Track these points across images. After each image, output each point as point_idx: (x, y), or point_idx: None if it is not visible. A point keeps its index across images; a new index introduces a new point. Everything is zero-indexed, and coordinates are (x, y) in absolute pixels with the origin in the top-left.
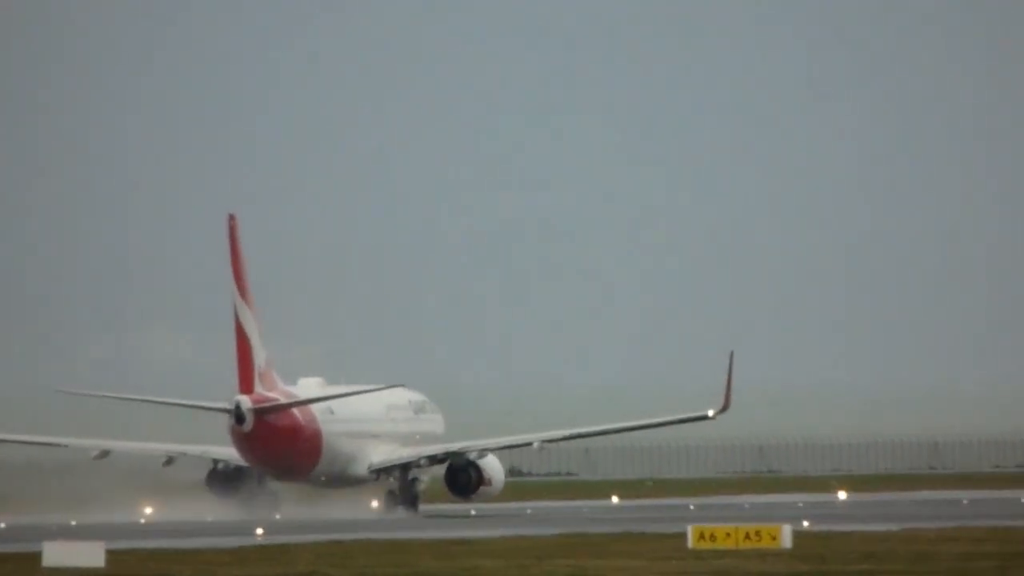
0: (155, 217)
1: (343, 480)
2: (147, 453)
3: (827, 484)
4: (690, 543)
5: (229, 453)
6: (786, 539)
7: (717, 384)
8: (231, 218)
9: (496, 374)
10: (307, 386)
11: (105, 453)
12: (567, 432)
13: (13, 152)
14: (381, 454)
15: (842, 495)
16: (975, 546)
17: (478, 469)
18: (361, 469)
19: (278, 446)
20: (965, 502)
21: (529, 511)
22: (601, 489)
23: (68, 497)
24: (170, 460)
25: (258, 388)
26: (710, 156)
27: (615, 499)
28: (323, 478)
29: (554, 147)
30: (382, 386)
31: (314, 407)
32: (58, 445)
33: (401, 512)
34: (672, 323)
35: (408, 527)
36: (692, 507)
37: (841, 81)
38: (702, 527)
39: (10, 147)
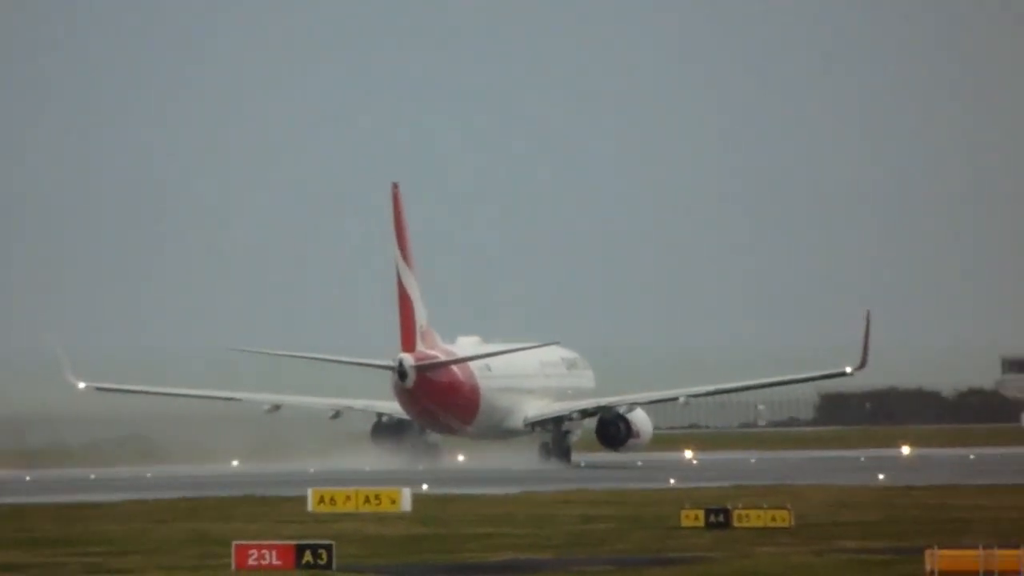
0: (324, 187)
1: (500, 433)
2: (316, 407)
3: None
4: (310, 507)
5: (392, 407)
6: (406, 503)
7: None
8: (394, 187)
9: (646, 334)
10: (465, 344)
11: (277, 407)
12: (710, 388)
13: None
14: (535, 408)
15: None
16: (593, 508)
17: (627, 422)
18: (517, 422)
19: (438, 401)
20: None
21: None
22: None
23: (251, 447)
24: (337, 414)
25: (420, 346)
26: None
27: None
28: (491, 429)
29: (689, 119)
30: (538, 344)
31: (472, 364)
32: (234, 399)
33: (555, 463)
34: (789, 290)
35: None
36: (312, 471)
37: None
38: (322, 491)
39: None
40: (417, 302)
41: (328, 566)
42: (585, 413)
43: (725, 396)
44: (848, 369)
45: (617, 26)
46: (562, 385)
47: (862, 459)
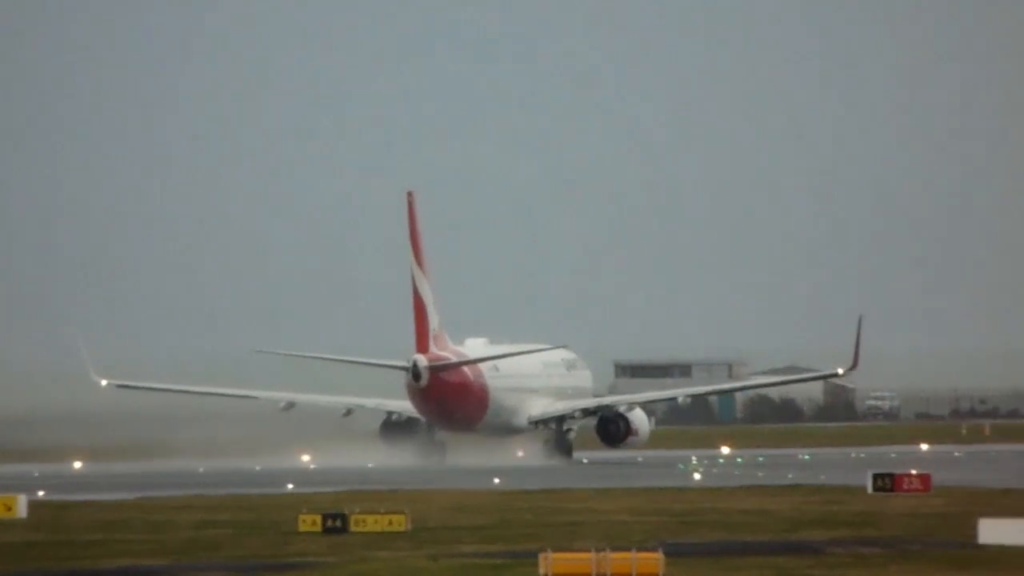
0: (338, 196)
1: (505, 431)
2: (328, 405)
3: None
4: None
5: (402, 405)
6: (22, 509)
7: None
8: (409, 195)
9: (645, 336)
10: (474, 346)
11: (291, 405)
12: (709, 388)
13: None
14: (539, 407)
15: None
16: (210, 514)
17: (626, 421)
18: (521, 421)
19: (450, 400)
20: (201, 470)
21: None
22: None
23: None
24: (349, 412)
25: (432, 348)
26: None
27: None
28: (498, 428)
29: (696, 117)
30: (547, 347)
31: (481, 365)
32: (250, 397)
33: (557, 460)
34: (790, 294)
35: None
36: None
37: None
38: None
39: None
40: (430, 306)
41: None
42: (587, 412)
43: None
44: (840, 370)
45: (621, 30)
46: (563, 385)
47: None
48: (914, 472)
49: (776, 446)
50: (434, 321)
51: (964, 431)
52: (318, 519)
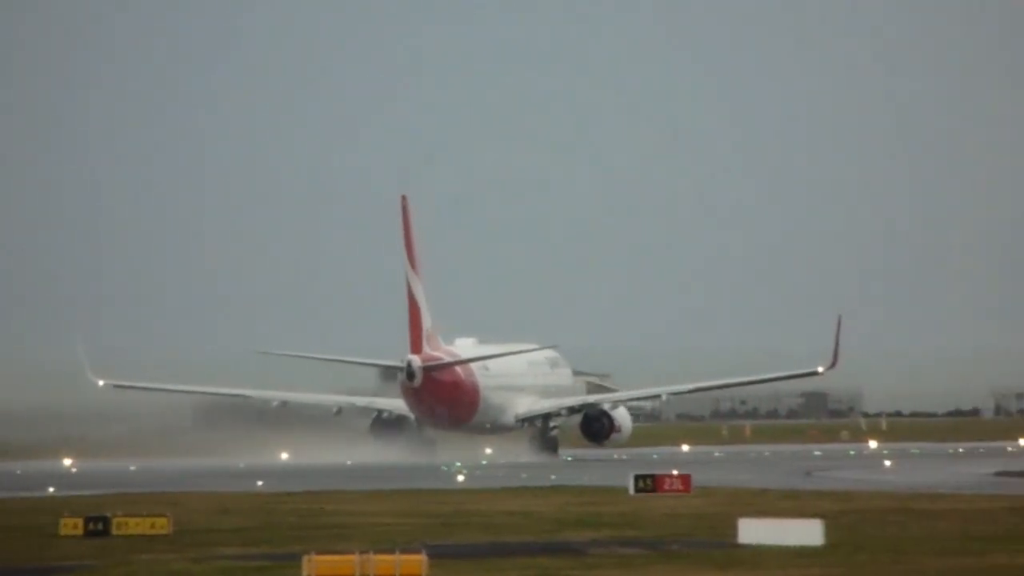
0: (334, 202)
1: (494, 428)
2: (320, 404)
3: None
4: None
5: (392, 404)
6: None
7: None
8: (403, 199)
9: (620, 334)
10: (464, 345)
11: (284, 404)
12: (691, 386)
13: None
14: (525, 405)
15: None
16: None
17: (610, 418)
18: (509, 418)
19: (443, 398)
20: None
21: None
22: None
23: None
24: (339, 410)
25: (425, 348)
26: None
27: None
28: (487, 426)
29: (681, 119)
30: (538, 347)
31: (472, 364)
32: (243, 396)
33: (545, 456)
34: (775, 293)
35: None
36: None
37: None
38: None
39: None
40: (423, 307)
41: None
42: (572, 410)
43: None
44: (820, 369)
45: (615, 29)
46: (547, 383)
47: (241, 465)
48: (675, 473)
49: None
50: (427, 322)
51: (725, 432)
52: (80, 522)
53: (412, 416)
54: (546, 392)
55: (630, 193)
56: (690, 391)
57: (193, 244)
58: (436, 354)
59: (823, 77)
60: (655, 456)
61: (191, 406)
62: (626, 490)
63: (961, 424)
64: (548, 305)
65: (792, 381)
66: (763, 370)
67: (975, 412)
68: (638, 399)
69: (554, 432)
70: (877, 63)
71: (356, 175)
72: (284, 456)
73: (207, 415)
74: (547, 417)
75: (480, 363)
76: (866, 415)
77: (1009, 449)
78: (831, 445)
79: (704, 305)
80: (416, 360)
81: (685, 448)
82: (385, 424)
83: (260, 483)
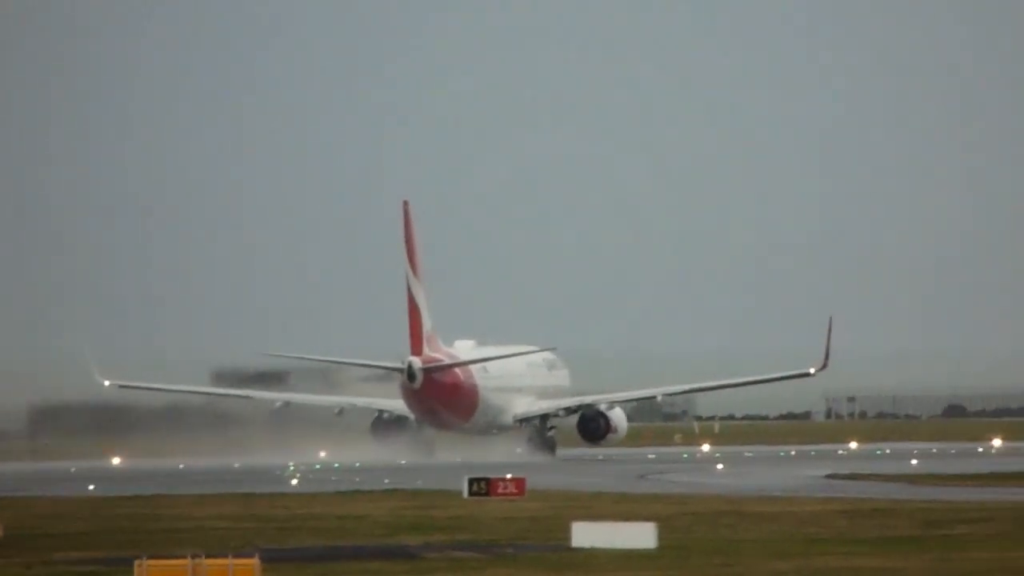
0: (335, 206)
1: (493, 429)
2: (321, 404)
3: None
4: None
5: (392, 404)
6: None
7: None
8: (405, 204)
9: (616, 336)
10: (463, 347)
11: (286, 404)
12: (685, 387)
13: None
14: (523, 406)
15: None
16: None
17: (606, 419)
18: (507, 419)
19: (443, 399)
20: None
21: None
22: None
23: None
24: (341, 411)
25: (426, 350)
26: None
27: None
28: (483, 426)
29: (677, 119)
30: (536, 349)
31: (471, 366)
32: (245, 397)
33: (543, 456)
34: (768, 296)
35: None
36: None
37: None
38: None
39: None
40: (424, 310)
41: None
42: (569, 410)
43: None
44: (811, 370)
45: (609, 30)
46: (544, 384)
47: (72, 469)
48: (509, 476)
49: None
50: (427, 324)
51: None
52: None
53: (412, 416)
54: (544, 393)
55: (626, 198)
56: (682, 392)
57: (196, 248)
58: (436, 356)
59: (811, 79)
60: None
61: (26, 409)
62: (460, 494)
63: (793, 427)
64: (546, 308)
65: None
66: (750, 372)
67: (806, 415)
68: (633, 400)
69: (551, 432)
70: (868, 64)
71: (358, 180)
72: (116, 461)
73: (40, 420)
74: (545, 418)
75: (479, 366)
76: (699, 418)
77: (840, 452)
78: (664, 448)
79: (701, 307)
80: (416, 362)
81: (519, 451)
82: (385, 424)
83: (92, 487)
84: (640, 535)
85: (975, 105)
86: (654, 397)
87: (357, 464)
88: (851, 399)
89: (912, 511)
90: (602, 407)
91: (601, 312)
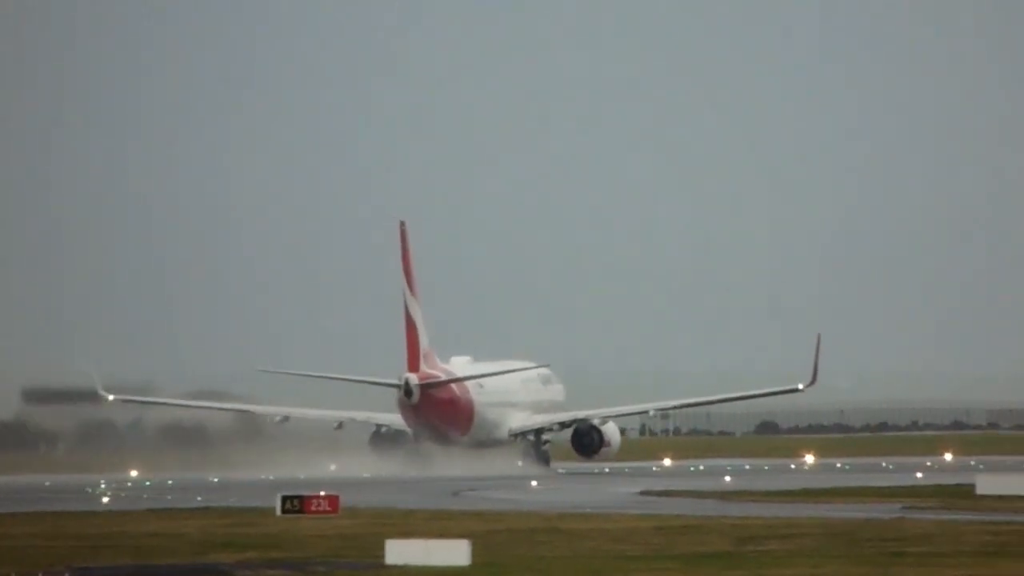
0: (336, 222)
1: (488, 443)
2: (321, 419)
3: None
4: None
5: (390, 418)
6: None
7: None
8: (402, 224)
9: (610, 353)
10: (459, 363)
11: (286, 419)
12: (677, 402)
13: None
14: (518, 420)
15: None
16: None
17: (600, 433)
18: (503, 433)
19: (439, 415)
20: None
21: None
22: None
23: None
24: (340, 425)
25: (423, 367)
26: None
27: None
28: (479, 441)
29: (663, 143)
30: (531, 365)
31: (467, 382)
32: (247, 411)
33: (538, 469)
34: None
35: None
36: None
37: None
38: None
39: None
40: (421, 327)
41: None
42: (563, 425)
43: None
44: (800, 386)
45: (607, 41)
46: (539, 399)
47: None
48: (323, 494)
49: (185, 471)
50: (424, 341)
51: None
52: None
53: (410, 431)
54: (539, 408)
55: (621, 217)
56: (675, 407)
57: (196, 264)
58: (433, 372)
59: (800, 95)
60: (301, 476)
61: None
62: (273, 511)
63: None
64: (541, 325)
65: None
66: (745, 388)
67: (621, 432)
68: (626, 414)
69: (546, 446)
70: (856, 76)
71: (356, 200)
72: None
73: None
74: (539, 432)
75: (475, 382)
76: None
77: (654, 468)
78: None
79: (694, 325)
80: (413, 378)
81: (333, 467)
82: (384, 438)
83: None
84: (454, 552)
85: (986, 103)
86: (646, 412)
87: (169, 482)
88: (664, 416)
89: (724, 527)
90: (595, 422)
91: (595, 329)
